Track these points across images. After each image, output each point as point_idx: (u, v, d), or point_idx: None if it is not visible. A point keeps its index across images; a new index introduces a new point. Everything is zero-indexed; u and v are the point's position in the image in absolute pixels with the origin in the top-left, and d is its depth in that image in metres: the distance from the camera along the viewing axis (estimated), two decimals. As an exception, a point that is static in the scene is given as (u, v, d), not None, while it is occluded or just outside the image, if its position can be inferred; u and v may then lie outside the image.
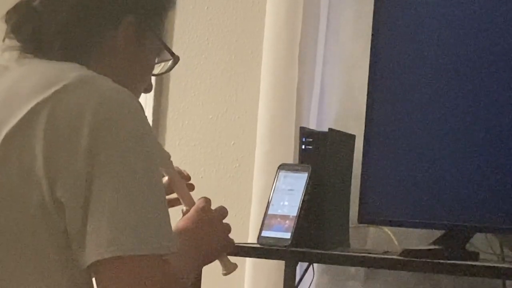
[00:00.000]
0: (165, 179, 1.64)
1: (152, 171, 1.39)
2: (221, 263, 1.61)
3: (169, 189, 1.69)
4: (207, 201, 1.60)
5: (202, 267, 1.68)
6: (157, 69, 1.64)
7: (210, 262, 1.62)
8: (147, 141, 1.39)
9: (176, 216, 1.55)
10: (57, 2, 1.48)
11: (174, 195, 1.71)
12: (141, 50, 1.56)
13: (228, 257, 1.63)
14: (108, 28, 1.50)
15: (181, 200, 1.65)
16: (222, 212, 1.61)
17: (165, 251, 1.34)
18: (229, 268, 1.61)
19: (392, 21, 2.05)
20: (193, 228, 1.57)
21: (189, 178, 1.73)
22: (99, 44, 1.50)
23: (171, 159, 1.65)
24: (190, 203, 1.62)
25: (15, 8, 1.49)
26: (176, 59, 1.64)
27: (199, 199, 1.61)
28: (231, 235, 1.60)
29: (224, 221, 1.61)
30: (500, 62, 1.92)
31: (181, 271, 1.46)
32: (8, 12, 1.50)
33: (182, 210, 1.63)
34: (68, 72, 1.39)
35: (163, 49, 1.61)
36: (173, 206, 1.64)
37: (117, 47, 1.51)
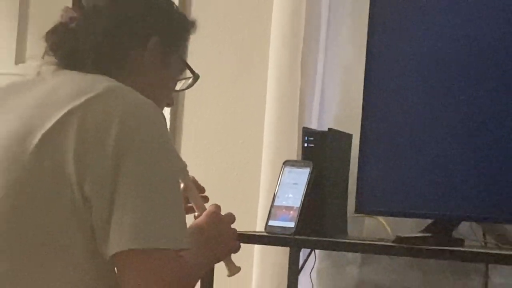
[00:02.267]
0: (181, 185, 1.65)
1: (171, 175, 1.43)
2: (226, 265, 1.64)
3: (184, 196, 1.70)
4: (217, 207, 1.63)
5: (210, 266, 1.72)
6: (179, 85, 1.69)
7: (217, 262, 1.66)
8: (167, 149, 1.43)
9: (189, 221, 1.56)
10: (92, 25, 1.53)
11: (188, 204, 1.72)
12: (165, 68, 1.60)
13: (234, 255, 1.65)
14: (136, 47, 1.54)
15: (193, 206, 1.67)
16: (230, 217, 1.64)
17: (180, 246, 1.38)
18: (233, 271, 1.64)
19: (385, 31, 2.04)
20: (203, 230, 1.59)
21: (203, 189, 1.75)
22: (128, 61, 1.54)
23: (186, 165, 1.65)
24: (202, 208, 1.65)
25: (54, 29, 1.54)
26: (196, 77, 1.67)
27: (211, 205, 1.64)
28: (239, 227, 1.64)
29: (233, 227, 1.64)
30: (489, 64, 1.92)
31: (192, 266, 1.49)
32: (47, 33, 1.54)
33: (194, 216, 1.65)
34: (99, 83, 1.43)
35: (185, 68, 1.65)
36: (187, 213, 1.62)
37: (144, 64, 1.55)
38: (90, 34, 1.52)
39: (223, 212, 1.64)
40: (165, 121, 1.49)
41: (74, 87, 1.43)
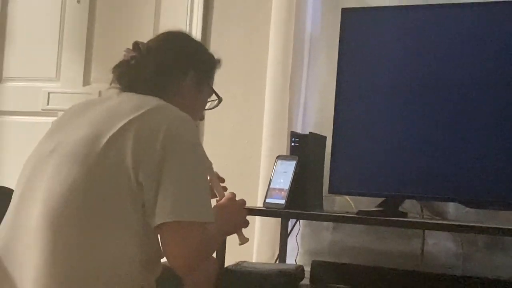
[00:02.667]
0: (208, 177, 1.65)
1: (201, 168, 1.46)
2: (238, 236, 1.66)
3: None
4: (233, 194, 1.66)
5: (226, 236, 1.73)
6: (208, 105, 1.71)
7: (232, 233, 1.67)
8: (198, 150, 1.46)
9: (213, 204, 1.57)
10: (146, 62, 1.57)
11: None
12: (198, 93, 1.65)
13: (244, 230, 1.67)
14: (178, 78, 1.59)
15: (216, 193, 1.69)
16: (242, 202, 1.67)
17: (206, 220, 1.41)
18: (243, 241, 1.66)
19: (351, 59, 2.01)
20: (222, 211, 1.62)
21: (223, 180, 1.74)
22: (172, 88, 1.57)
23: (211, 163, 1.68)
24: (222, 195, 1.68)
25: (119, 65, 1.59)
26: (220, 100, 1.70)
27: (228, 193, 1.67)
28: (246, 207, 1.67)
29: (245, 208, 1.67)
30: (436, 85, 1.89)
31: (214, 236, 1.52)
32: (114, 67, 1.59)
33: (216, 200, 1.67)
34: (151, 101, 1.47)
35: (213, 93, 1.69)
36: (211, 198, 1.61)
37: (184, 90, 1.60)
38: (145, 69, 1.56)
39: (237, 198, 1.67)
40: (198, 130, 1.55)
41: (133, 104, 1.46)
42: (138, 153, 1.37)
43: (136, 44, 1.60)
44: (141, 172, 1.37)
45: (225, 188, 1.73)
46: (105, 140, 1.39)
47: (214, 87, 1.69)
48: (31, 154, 1.51)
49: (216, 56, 1.69)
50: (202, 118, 1.71)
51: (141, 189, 1.37)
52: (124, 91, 1.56)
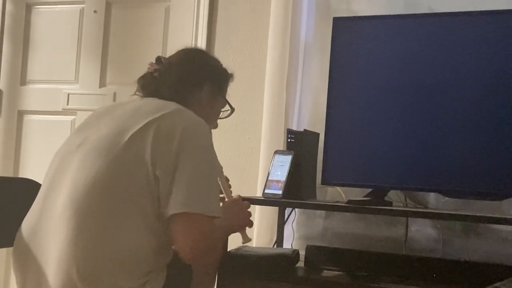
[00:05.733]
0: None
1: (213, 168, 1.47)
2: (241, 235, 1.67)
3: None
4: (240, 197, 1.70)
5: (230, 234, 1.72)
6: (222, 115, 1.72)
7: (236, 232, 1.68)
8: (211, 152, 1.47)
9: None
10: (168, 75, 1.59)
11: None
12: (213, 104, 1.67)
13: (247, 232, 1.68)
14: (196, 91, 1.61)
15: (224, 194, 1.70)
16: (247, 204, 1.69)
17: (214, 214, 1.40)
18: (246, 240, 1.68)
19: (341, 64, 2.00)
20: (229, 209, 1.64)
21: (230, 186, 1.74)
22: (190, 98, 1.59)
23: (222, 167, 1.67)
24: (229, 196, 1.70)
25: (143, 76, 1.62)
26: (233, 109, 1.72)
27: (236, 195, 1.70)
28: (244, 194, 1.70)
29: (249, 210, 1.68)
30: (420, 91, 1.88)
31: (219, 231, 1.53)
32: (139, 78, 1.62)
33: (224, 200, 1.69)
34: (170, 105, 1.49)
35: (226, 104, 1.71)
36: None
37: (200, 102, 1.61)
38: (166, 80, 1.58)
39: (239, 193, 1.70)
40: (211, 134, 1.52)
41: (154, 106, 1.48)
42: (156, 150, 1.38)
43: (159, 58, 1.62)
44: (158, 167, 1.38)
45: (230, 186, 1.73)
46: (127, 136, 1.40)
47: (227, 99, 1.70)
48: (60, 148, 1.52)
49: (229, 71, 1.71)
50: (215, 126, 1.71)
51: (157, 182, 1.38)
52: (146, 97, 1.57)
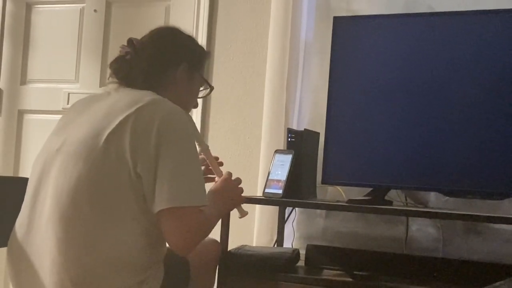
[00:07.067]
0: (201, 157, 1.64)
1: (194, 156, 1.43)
2: (238, 210, 1.66)
3: (206, 169, 1.69)
4: (230, 174, 1.63)
5: (226, 213, 1.72)
6: (201, 94, 1.67)
7: (230, 210, 1.68)
8: (190, 139, 1.43)
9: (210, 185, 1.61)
10: (140, 57, 1.53)
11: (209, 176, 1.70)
12: (190, 83, 1.60)
13: (243, 206, 1.67)
14: (171, 71, 1.55)
15: (213, 170, 1.66)
16: (238, 180, 1.64)
17: (200, 203, 1.40)
18: (243, 214, 1.67)
19: (341, 64, 1.99)
20: (220, 189, 1.60)
21: (218, 158, 1.71)
22: (165, 80, 1.54)
23: (208, 146, 1.68)
24: (220, 174, 1.66)
25: (115, 60, 1.56)
26: (211, 88, 1.68)
27: (225, 172, 1.64)
28: (245, 193, 1.66)
29: (240, 186, 1.64)
30: (416, 90, 1.88)
31: (210, 217, 1.50)
32: (111, 63, 1.57)
33: (215, 180, 1.65)
34: (145, 96, 1.44)
35: (204, 82, 1.65)
36: (207, 182, 1.61)
37: (176, 82, 1.55)
38: (139, 63, 1.53)
39: (234, 177, 1.64)
40: (191, 119, 1.47)
41: (129, 100, 1.44)
42: (135, 147, 1.36)
43: (130, 41, 1.57)
44: (139, 164, 1.36)
45: (221, 164, 1.71)
46: (104, 137, 1.37)
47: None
48: (40, 152, 1.50)
49: (207, 49, 1.68)
50: (196, 105, 1.66)
51: (140, 180, 1.36)
52: (121, 87, 1.53)
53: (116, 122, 1.38)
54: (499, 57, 1.81)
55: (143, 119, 1.38)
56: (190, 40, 1.64)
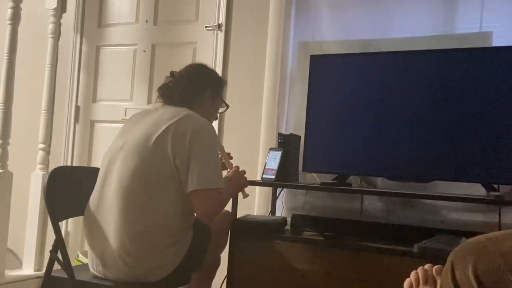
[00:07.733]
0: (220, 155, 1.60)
1: (215, 153, 1.43)
2: (242, 193, 1.64)
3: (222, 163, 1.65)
4: (238, 167, 1.62)
5: (235, 194, 1.69)
6: (220, 110, 1.66)
7: (239, 192, 1.65)
8: (214, 141, 1.43)
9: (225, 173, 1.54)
10: (179, 84, 1.53)
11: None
12: (213, 103, 1.61)
13: (246, 190, 1.64)
14: (200, 94, 1.55)
15: (227, 165, 1.65)
16: (243, 172, 1.62)
17: (219, 186, 1.39)
18: (245, 196, 1.64)
19: (317, 86, 1.96)
20: (231, 177, 1.58)
21: (229, 154, 1.70)
22: (196, 101, 1.54)
23: (223, 147, 1.68)
24: (231, 167, 1.65)
25: (161, 86, 1.56)
26: (227, 107, 1.67)
27: (234, 166, 1.63)
28: (249, 177, 1.64)
29: (245, 176, 1.62)
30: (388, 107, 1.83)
31: (225, 196, 1.50)
32: (158, 88, 1.56)
33: (228, 171, 1.63)
34: (182, 112, 1.45)
35: (223, 103, 1.66)
36: (223, 170, 1.57)
37: (203, 102, 1.56)
38: (178, 88, 1.53)
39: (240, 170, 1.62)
40: (213, 128, 1.46)
41: (171, 114, 1.43)
42: (175, 147, 1.36)
43: (172, 72, 1.59)
44: (177, 159, 1.36)
45: (231, 158, 1.70)
46: (153, 139, 1.37)
47: (226, 101, 1.67)
48: (108, 149, 1.49)
49: (224, 79, 1.67)
50: (216, 118, 1.66)
51: (178, 170, 1.37)
52: (165, 104, 1.52)
53: (162, 129, 1.38)
54: (428, 81, 1.80)
55: (180, 127, 1.38)
56: (213, 73, 1.64)
